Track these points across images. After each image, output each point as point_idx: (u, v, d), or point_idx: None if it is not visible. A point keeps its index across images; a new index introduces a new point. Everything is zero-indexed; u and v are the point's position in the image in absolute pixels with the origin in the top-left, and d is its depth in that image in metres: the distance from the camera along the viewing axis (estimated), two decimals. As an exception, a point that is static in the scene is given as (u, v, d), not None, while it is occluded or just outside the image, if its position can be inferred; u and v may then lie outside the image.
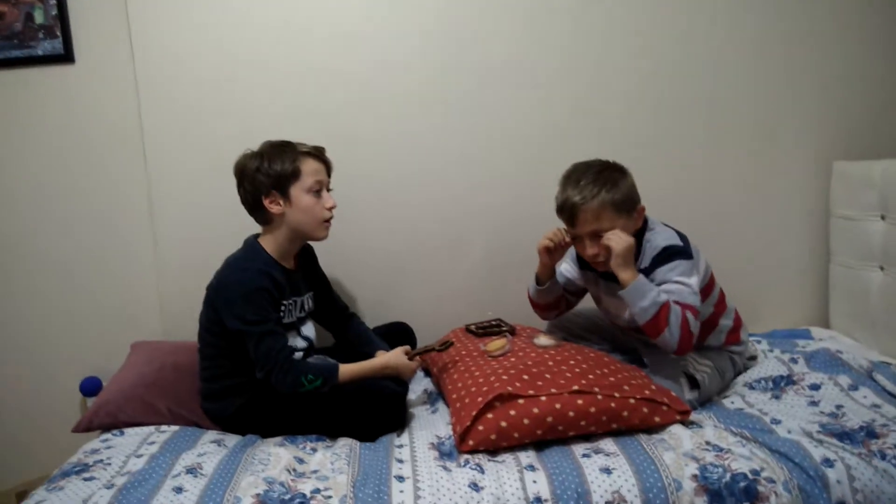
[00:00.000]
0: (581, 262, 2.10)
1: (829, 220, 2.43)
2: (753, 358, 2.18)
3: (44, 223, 2.36)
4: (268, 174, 1.88)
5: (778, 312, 2.52)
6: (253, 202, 1.92)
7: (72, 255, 2.37)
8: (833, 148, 2.45)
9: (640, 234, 1.93)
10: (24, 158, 2.33)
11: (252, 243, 1.96)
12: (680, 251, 1.89)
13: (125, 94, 2.30)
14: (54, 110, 2.31)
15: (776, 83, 2.43)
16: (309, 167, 1.92)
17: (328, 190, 1.98)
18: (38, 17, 2.27)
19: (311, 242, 2.08)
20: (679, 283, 1.84)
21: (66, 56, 2.29)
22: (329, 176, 1.99)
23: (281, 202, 1.90)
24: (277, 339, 1.84)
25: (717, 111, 2.43)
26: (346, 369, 1.89)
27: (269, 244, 1.95)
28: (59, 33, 2.28)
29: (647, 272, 1.89)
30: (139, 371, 2.09)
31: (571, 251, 2.12)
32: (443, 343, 2.06)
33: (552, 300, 2.13)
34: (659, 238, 1.92)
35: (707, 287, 1.99)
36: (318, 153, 1.96)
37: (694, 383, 1.92)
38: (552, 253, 2.00)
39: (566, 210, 1.90)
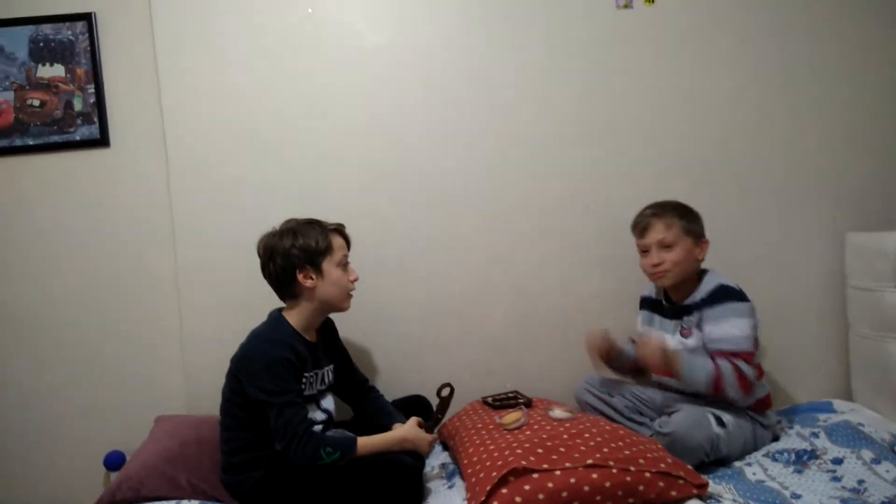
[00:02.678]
0: (642, 303, 2.30)
1: (846, 291, 2.43)
2: (777, 438, 2.16)
3: (73, 298, 2.43)
4: (303, 249, 1.97)
5: (800, 384, 2.51)
6: (284, 277, 1.99)
7: (99, 330, 2.44)
8: (846, 219, 2.48)
9: (700, 273, 2.16)
10: (59, 235, 2.43)
11: (277, 316, 2.03)
12: (734, 293, 2.05)
13: (156, 175, 2.42)
14: (89, 190, 2.43)
15: (791, 156, 2.50)
16: (337, 242, 2.04)
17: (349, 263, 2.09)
18: (77, 105, 2.42)
19: (331, 315, 2.15)
20: (732, 330, 1.99)
21: (101, 140, 2.42)
22: (349, 250, 2.10)
23: (314, 276, 1.98)
24: (298, 410, 1.88)
25: (733, 185, 2.49)
26: (364, 443, 1.91)
27: (293, 318, 2.01)
28: (96, 120, 2.42)
29: (701, 306, 2.07)
30: (162, 445, 2.12)
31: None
32: (444, 396, 2.08)
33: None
34: (717, 278, 2.11)
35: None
36: (341, 229, 2.09)
37: (720, 422, 1.99)
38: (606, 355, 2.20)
39: (640, 221, 2.17)
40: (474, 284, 2.48)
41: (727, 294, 2.04)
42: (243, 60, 2.40)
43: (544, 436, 1.82)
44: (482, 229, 2.47)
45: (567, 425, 1.89)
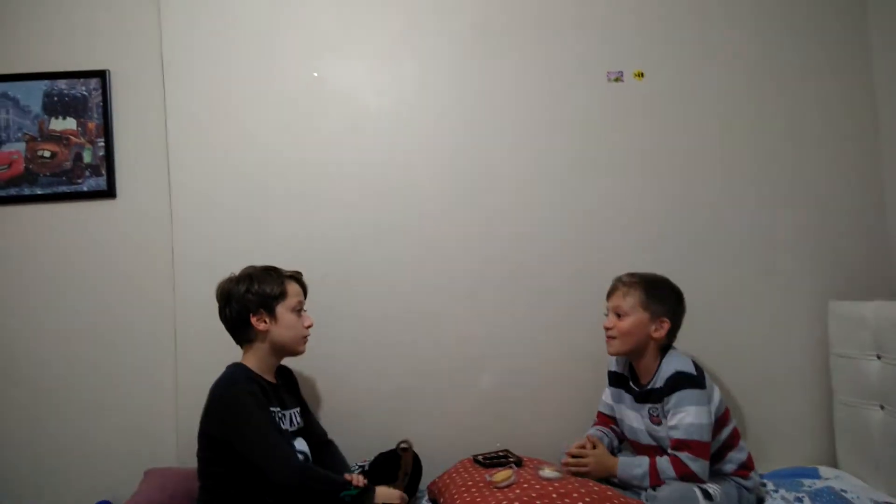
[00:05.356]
0: (610, 379, 2.31)
1: (830, 359, 2.48)
2: (762, 500, 2.17)
3: (70, 346, 2.46)
4: (257, 294, 2.06)
5: (787, 449, 2.53)
6: (239, 321, 2.07)
7: (95, 380, 2.46)
8: (829, 288, 2.55)
9: (661, 353, 2.16)
10: (60, 284, 2.47)
11: (232, 364, 2.09)
12: (690, 379, 2.05)
13: (160, 227, 2.48)
14: (94, 240, 2.49)
15: (776, 225, 2.59)
16: (292, 289, 2.13)
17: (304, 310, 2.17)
18: (87, 157, 2.49)
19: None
20: (686, 419, 2.00)
21: (108, 192, 2.49)
22: (305, 297, 2.18)
23: (267, 320, 2.06)
24: (278, 437, 1.94)
25: (719, 253, 2.57)
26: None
27: (250, 361, 2.09)
28: (103, 172, 2.49)
29: (661, 393, 2.07)
30: (150, 498, 2.13)
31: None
32: (403, 449, 2.17)
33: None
34: (674, 362, 2.10)
35: (721, 419, 2.12)
36: (298, 277, 2.18)
37: (707, 495, 1.98)
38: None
39: (612, 284, 2.23)
40: (465, 342, 2.52)
41: (682, 381, 2.04)
42: (250, 119, 2.50)
43: (533, 494, 1.85)
44: (475, 286, 2.53)
45: (556, 485, 1.92)
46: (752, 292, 2.57)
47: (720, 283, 2.55)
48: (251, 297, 2.06)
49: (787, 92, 2.62)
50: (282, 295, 2.09)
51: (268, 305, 2.07)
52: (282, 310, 2.08)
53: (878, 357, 2.26)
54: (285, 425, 2.06)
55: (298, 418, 2.16)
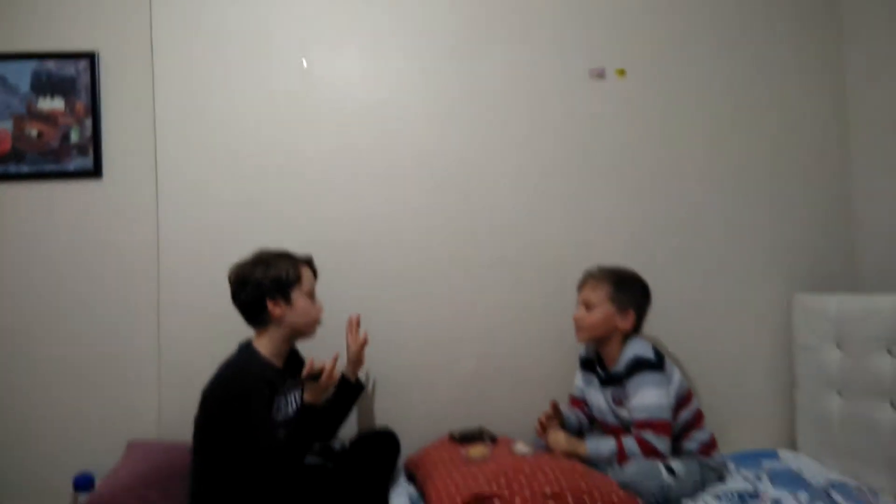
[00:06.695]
0: (581, 363, 2.42)
1: (793, 349, 2.59)
2: (722, 478, 2.27)
3: (52, 320, 2.48)
4: (274, 279, 2.07)
5: (749, 434, 2.62)
6: (255, 305, 2.08)
7: (77, 353, 2.48)
8: (794, 281, 2.66)
9: (625, 340, 2.26)
10: (45, 261, 2.50)
11: (246, 346, 2.11)
12: (648, 363, 2.16)
13: (146, 208, 2.51)
14: (78, 219, 2.51)
15: (745, 222, 2.70)
16: (306, 274, 2.15)
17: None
18: (74, 137, 2.52)
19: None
20: (644, 400, 2.11)
21: (94, 171, 2.51)
22: (316, 281, 2.21)
23: (282, 304, 2.08)
24: (273, 437, 1.97)
25: (686, 247, 2.67)
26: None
27: (263, 345, 2.10)
28: (90, 152, 2.52)
29: (621, 377, 2.19)
30: (133, 470, 2.16)
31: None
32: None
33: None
34: (635, 347, 2.22)
35: (682, 400, 2.22)
36: (310, 262, 2.21)
37: (670, 471, 2.07)
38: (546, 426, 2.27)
39: (582, 276, 2.34)
40: (445, 328, 2.59)
41: (640, 365, 2.16)
42: (238, 104, 2.54)
43: (507, 468, 1.92)
44: (456, 274, 2.59)
45: (529, 459, 2.00)
46: (720, 285, 2.67)
47: (690, 275, 2.65)
48: (267, 283, 2.07)
49: (757, 87, 2.72)
50: (297, 280, 2.10)
51: (283, 290, 2.08)
52: (297, 295, 2.10)
53: (839, 347, 2.36)
54: (289, 410, 2.11)
55: (299, 399, 2.17)
